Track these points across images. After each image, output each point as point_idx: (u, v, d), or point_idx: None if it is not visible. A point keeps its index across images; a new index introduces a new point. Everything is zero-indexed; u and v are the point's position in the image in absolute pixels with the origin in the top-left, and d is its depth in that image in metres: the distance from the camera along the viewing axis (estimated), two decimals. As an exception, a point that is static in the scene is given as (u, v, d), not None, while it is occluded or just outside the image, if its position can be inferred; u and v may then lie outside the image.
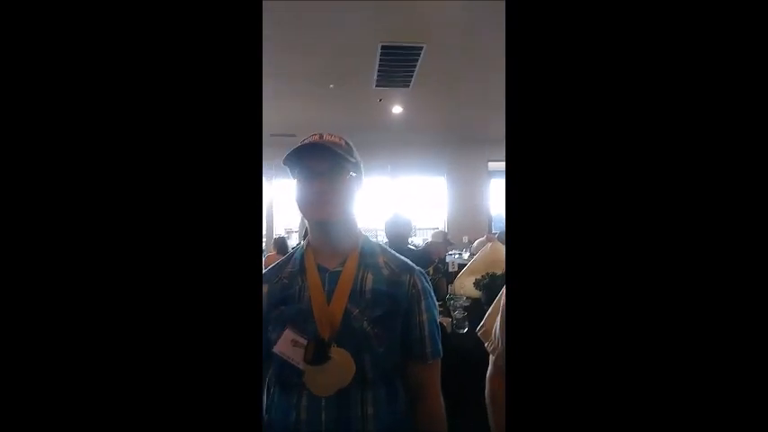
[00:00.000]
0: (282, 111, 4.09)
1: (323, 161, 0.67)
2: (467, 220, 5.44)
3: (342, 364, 0.63)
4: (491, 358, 0.78)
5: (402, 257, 0.75)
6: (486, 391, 0.78)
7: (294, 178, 0.71)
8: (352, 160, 0.69)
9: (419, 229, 5.20)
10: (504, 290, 0.78)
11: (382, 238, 2.74)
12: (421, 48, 2.92)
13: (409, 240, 2.84)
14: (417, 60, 3.11)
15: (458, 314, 1.79)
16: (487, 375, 0.79)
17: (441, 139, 5.38)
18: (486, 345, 0.81)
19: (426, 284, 0.73)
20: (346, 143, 0.71)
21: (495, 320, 0.79)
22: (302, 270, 0.70)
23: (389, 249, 0.77)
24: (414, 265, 0.74)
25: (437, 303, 0.78)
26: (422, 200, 5.83)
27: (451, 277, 2.43)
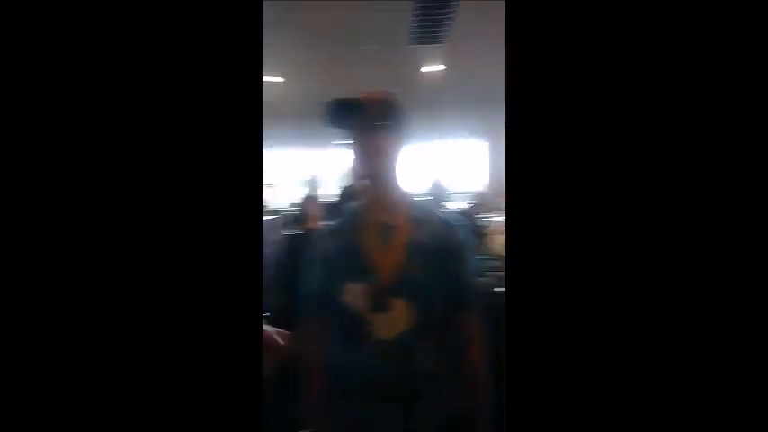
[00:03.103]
0: (312, 79, 4.06)
1: (361, 119, 0.71)
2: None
3: (401, 312, 0.71)
4: None
5: (450, 215, 0.82)
6: None
7: None
8: (383, 116, 0.71)
9: (459, 193, 5.15)
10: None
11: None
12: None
13: (446, 205, 2.90)
14: (454, 13, 2.92)
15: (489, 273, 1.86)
16: None
17: (482, 101, 5.15)
18: None
19: (472, 241, 0.79)
20: (384, 100, 0.73)
21: None
22: (357, 225, 0.77)
23: (436, 208, 0.83)
24: (461, 222, 0.80)
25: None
26: (462, 163, 5.73)
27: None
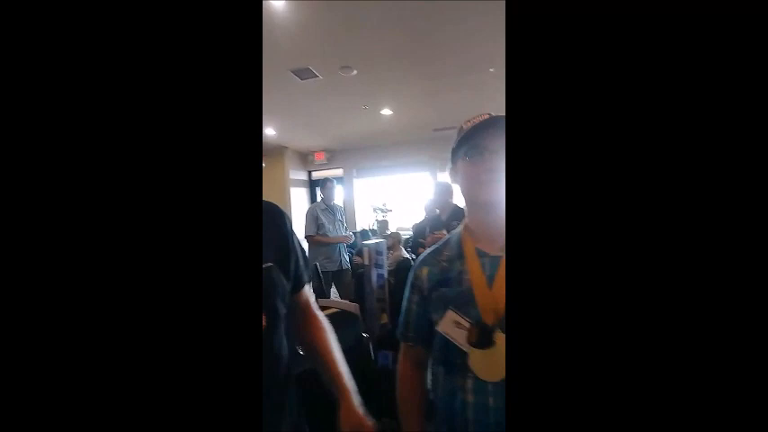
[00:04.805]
0: (443, 105, 4.15)
1: (496, 139, 0.65)
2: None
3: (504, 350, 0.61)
4: None
5: None
6: None
7: (454, 163, 0.70)
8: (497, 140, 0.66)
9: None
10: None
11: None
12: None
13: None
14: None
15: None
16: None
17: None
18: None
19: None
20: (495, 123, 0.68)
21: None
22: (460, 255, 0.71)
23: None
24: None
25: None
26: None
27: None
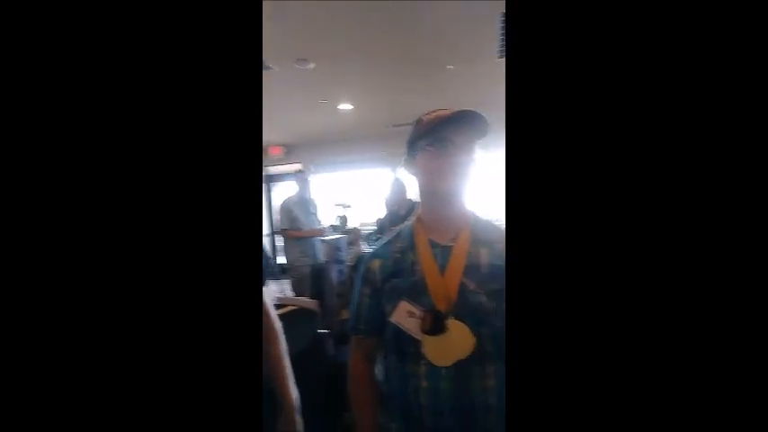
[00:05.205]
0: (402, 102, 4.18)
1: (460, 133, 0.67)
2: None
3: (460, 335, 0.64)
4: None
5: None
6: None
7: (412, 155, 0.71)
8: (483, 136, 0.69)
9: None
10: None
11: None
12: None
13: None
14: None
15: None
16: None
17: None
18: None
19: None
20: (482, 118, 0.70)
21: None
22: (412, 245, 0.72)
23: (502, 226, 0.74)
24: None
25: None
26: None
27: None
